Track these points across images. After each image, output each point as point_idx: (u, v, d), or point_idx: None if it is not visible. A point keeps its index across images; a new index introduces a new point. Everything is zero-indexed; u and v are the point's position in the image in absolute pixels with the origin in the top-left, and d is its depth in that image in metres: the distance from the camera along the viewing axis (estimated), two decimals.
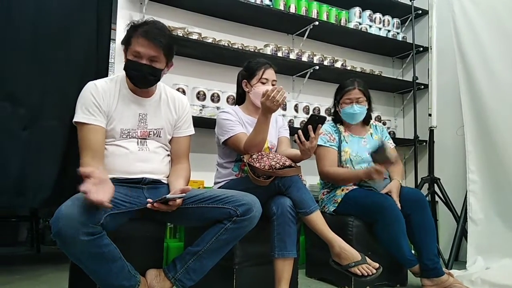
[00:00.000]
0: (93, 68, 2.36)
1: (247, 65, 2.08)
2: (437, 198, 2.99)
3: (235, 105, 2.19)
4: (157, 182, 1.64)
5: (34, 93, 2.17)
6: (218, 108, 2.80)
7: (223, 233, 1.49)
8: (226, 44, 2.89)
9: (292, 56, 3.14)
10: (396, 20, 3.73)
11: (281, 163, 1.72)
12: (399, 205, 2.04)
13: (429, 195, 2.93)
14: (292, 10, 3.15)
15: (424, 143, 3.37)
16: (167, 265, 1.54)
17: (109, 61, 2.56)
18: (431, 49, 3.10)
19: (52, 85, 2.22)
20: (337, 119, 2.41)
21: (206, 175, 2.60)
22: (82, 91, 1.60)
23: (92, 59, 2.37)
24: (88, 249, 1.27)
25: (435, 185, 2.95)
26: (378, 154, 1.97)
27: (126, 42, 1.58)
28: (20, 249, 3.36)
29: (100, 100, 1.57)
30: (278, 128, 2.15)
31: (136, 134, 1.62)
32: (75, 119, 1.56)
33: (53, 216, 1.25)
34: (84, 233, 1.24)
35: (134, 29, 1.56)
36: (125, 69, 1.59)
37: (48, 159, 2.18)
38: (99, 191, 1.24)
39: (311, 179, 2.78)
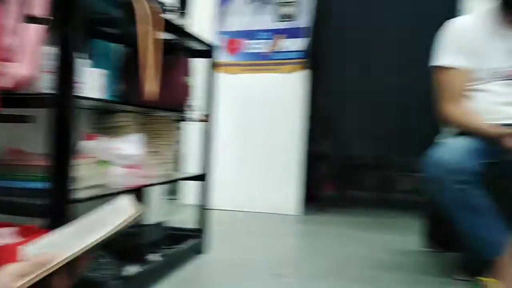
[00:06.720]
0: None
1: None
2: None
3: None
4: None
5: None
6: None
7: None
8: None
9: None
10: None
11: None
12: None
13: None
14: None
15: None
16: None
17: None
18: None
19: None
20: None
21: None
22: (445, 32, 1.44)
23: None
24: (459, 198, 1.24)
25: None
26: None
27: None
28: (367, 194, 3.64)
29: (466, 38, 1.41)
30: None
31: (503, 74, 1.40)
32: (437, 63, 1.43)
33: (425, 163, 1.26)
34: (456, 181, 1.21)
35: None
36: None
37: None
38: None
39: None
